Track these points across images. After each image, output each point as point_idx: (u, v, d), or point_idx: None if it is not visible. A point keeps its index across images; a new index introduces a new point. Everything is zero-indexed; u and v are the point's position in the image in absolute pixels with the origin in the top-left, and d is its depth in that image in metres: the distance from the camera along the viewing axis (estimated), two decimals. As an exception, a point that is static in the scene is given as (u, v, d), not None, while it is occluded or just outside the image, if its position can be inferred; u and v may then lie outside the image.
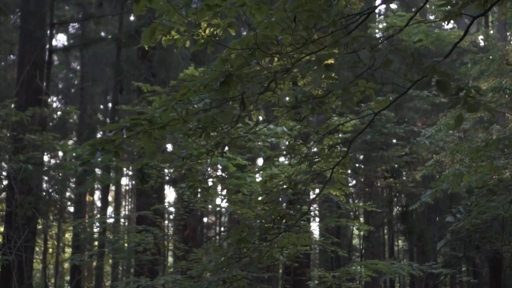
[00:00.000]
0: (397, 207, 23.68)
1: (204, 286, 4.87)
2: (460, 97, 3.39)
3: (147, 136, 4.17)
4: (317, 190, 11.41)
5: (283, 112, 5.83)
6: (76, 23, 19.34)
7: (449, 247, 19.48)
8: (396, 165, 17.85)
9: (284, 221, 5.46)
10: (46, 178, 15.19)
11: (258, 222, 5.38)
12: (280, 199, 5.70)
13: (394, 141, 18.48)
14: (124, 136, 4.04)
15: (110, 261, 20.15)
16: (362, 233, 17.31)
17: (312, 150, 5.75)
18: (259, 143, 11.41)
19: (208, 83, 4.20)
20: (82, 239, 13.58)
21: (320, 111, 6.16)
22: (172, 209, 14.28)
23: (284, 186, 5.69)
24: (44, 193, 13.78)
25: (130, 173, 24.27)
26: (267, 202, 5.79)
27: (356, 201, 18.92)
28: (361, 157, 20.11)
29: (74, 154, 10.52)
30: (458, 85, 3.46)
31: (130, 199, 34.94)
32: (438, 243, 11.76)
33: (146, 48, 6.54)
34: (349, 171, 17.33)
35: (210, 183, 5.61)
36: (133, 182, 28.98)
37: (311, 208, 14.69)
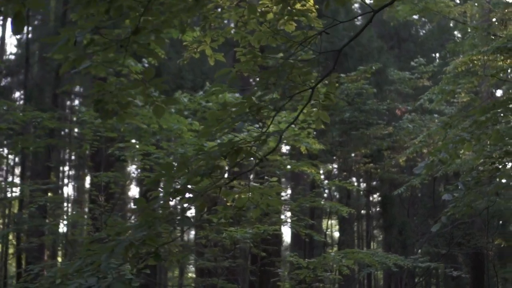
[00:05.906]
0: (376, 200, 22.07)
1: (109, 250, 3.04)
2: None
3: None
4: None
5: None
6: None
7: (430, 243, 18.06)
8: (377, 148, 16.11)
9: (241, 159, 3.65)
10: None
11: (200, 158, 3.55)
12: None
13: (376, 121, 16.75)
14: None
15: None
16: (337, 226, 15.70)
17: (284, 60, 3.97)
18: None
19: None
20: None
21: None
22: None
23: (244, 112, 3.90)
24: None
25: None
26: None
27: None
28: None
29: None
30: None
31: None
32: (433, 226, 10.13)
33: None
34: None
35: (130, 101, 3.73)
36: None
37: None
